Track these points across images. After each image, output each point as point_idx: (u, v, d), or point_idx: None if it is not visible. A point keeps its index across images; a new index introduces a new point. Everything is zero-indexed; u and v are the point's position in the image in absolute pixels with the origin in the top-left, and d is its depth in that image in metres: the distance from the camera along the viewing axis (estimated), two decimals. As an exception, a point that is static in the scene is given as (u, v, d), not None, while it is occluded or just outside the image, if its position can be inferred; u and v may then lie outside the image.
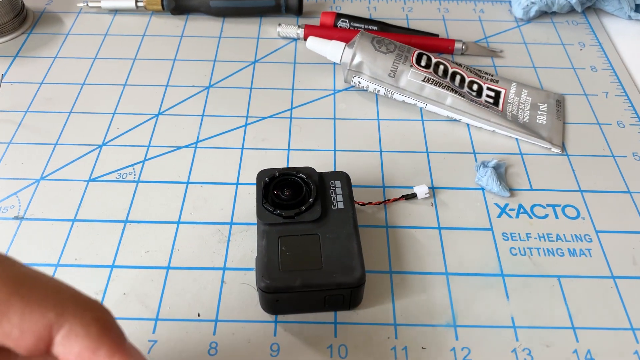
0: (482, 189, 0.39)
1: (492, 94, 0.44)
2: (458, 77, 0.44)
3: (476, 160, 0.41)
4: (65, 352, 0.18)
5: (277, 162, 0.41)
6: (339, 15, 0.51)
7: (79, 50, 0.50)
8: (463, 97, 0.43)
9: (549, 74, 0.48)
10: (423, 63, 0.43)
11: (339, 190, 0.33)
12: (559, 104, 0.45)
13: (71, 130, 0.43)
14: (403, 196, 0.38)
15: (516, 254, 0.35)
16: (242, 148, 0.42)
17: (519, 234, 0.36)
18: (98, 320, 0.19)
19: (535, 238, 0.36)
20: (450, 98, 0.43)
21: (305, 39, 0.51)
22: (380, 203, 0.37)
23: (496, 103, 0.44)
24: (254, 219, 0.36)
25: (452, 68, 0.44)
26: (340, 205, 0.33)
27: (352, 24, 0.51)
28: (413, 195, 0.38)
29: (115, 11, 0.54)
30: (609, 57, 0.50)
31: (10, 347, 0.18)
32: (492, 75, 0.46)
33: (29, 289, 0.18)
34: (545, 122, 0.43)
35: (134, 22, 0.53)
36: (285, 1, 0.52)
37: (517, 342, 0.31)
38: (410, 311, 0.32)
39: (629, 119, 0.44)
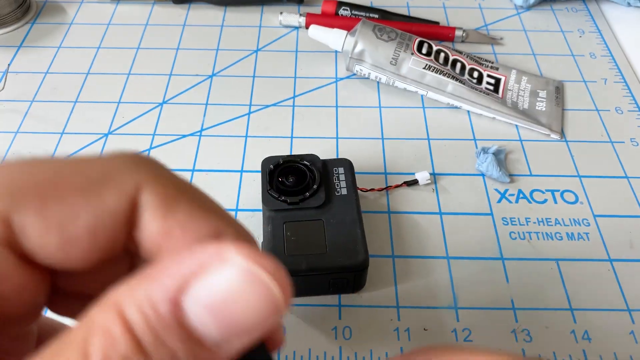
0: (483, 174, 0.40)
1: (492, 81, 0.45)
2: (459, 65, 0.45)
3: (476, 147, 0.42)
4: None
5: (281, 149, 0.41)
6: (340, 4, 0.52)
7: (83, 40, 0.50)
8: (464, 84, 0.43)
9: (549, 61, 0.49)
10: (424, 51, 0.44)
11: (342, 177, 0.34)
12: (558, 91, 0.45)
13: (77, 119, 0.43)
14: (405, 182, 0.38)
15: (516, 238, 0.36)
16: (246, 136, 0.42)
17: (518, 218, 0.37)
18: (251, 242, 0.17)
19: (535, 222, 0.37)
20: (451, 85, 0.43)
21: (306, 27, 0.51)
22: (382, 189, 0.38)
23: (496, 90, 0.44)
24: (259, 206, 0.37)
25: (452, 55, 0.45)
26: (344, 192, 0.33)
27: (353, 12, 0.51)
28: (414, 182, 0.38)
29: (117, 0, 0.55)
30: (608, 44, 0.50)
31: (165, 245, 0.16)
32: (492, 63, 0.46)
33: (195, 196, 0.17)
34: (544, 109, 0.44)
35: (137, 11, 0.54)
36: (286, -10, 0.53)
37: (516, 324, 0.32)
38: (413, 294, 0.33)
39: (627, 105, 0.45)
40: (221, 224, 0.16)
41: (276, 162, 0.34)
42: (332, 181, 0.34)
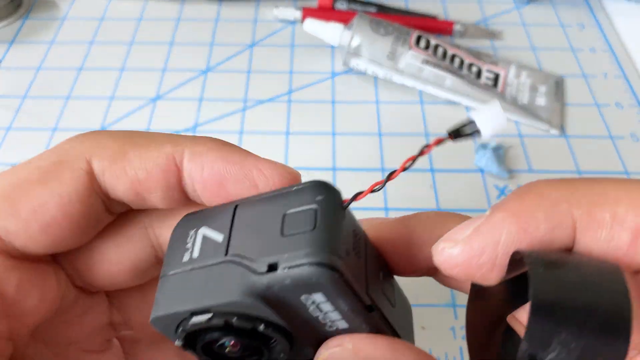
0: (482, 170, 0.39)
1: (491, 75, 0.44)
2: (457, 59, 0.44)
3: (475, 142, 0.41)
4: (197, 172, 0.18)
5: (276, 146, 0.40)
6: (337, -2, 0.51)
7: (76, 35, 0.50)
8: (462, 79, 0.43)
9: (548, 56, 0.48)
10: (422, 45, 0.43)
11: (325, 306, 0.16)
12: (557, 86, 0.45)
13: (70, 115, 0.43)
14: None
15: (515, 235, 0.35)
16: (241, 132, 0.42)
17: (517, 215, 0.36)
18: (215, 142, 0.19)
19: (534, 219, 0.36)
20: (449, 80, 0.42)
21: (303, 21, 0.50)
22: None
23: (495, 85, 0.44)
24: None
25: (451, 50, 0.44)
26: (342, 325, 0.16)
27: (350, 5, 0.51)
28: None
29: (111, -5, 0.54)
30: (608, 39, 0.50)
31: (145, 193, 0.18)
32: (491, 57, 0.46)
33: (140, 138, 0.19)
34: (544, 104, 0.43)
35: (130, 6, 0.53)
36: (282, -16, 0.52)
37: (515, 322, 0.31)
38: (410, 291, 0.33)
39: (628, 100, 0.44)
40: (174, 143, 0.18)
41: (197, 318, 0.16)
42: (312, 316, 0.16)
